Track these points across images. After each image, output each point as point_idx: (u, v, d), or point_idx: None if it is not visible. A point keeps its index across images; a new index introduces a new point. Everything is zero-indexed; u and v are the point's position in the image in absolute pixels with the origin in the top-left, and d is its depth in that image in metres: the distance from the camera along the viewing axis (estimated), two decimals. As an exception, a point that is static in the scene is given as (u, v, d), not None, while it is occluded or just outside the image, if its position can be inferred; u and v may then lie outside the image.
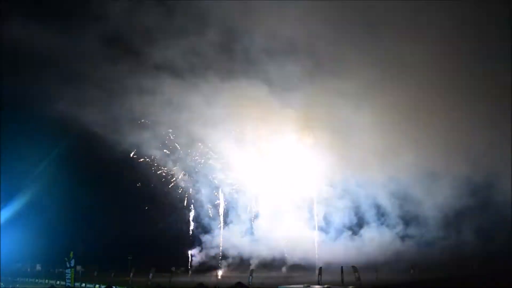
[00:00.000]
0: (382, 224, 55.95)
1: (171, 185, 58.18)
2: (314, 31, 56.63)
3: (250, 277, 45.07)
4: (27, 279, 52.93)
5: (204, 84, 56.97)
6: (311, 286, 39.90)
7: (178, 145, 58.27)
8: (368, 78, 56.09)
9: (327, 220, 57.45)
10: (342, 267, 41.49)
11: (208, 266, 56.14)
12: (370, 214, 56.62)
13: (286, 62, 57.65)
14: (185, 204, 58.46)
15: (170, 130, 58.15)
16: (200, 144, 58.34)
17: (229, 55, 57.69)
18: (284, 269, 54.98)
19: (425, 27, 54.05)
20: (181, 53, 56.50)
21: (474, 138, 52.12)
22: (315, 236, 56.91)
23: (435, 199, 53.27)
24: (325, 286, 39.48)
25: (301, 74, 57.82)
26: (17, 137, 55.22)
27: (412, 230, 54.72)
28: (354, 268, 41.91)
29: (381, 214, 56.15)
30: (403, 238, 54.36)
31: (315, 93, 56.99)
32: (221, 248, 57.33)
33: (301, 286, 39.88)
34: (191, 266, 56.98)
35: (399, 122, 55.15)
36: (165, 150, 58.02)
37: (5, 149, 53.35)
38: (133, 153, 56.43)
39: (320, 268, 42.79)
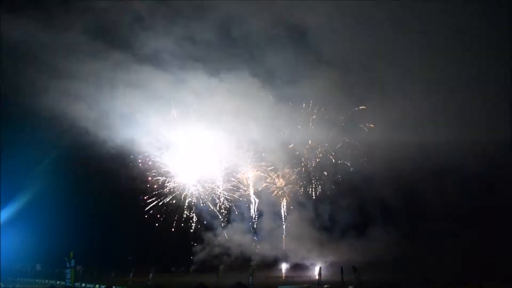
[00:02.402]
0: (388, 223, 55.26)
1: (169, 182, 58.10)
2: (313, 20, 55.50)
3: (250, 277, 45.05)
4: (27, 279, 52.64)
5: (194, 79, 56.25)
6: (311, 286, 40.08)
7: (172, 141, 57.98)
8: (373, 70, 55.58)
9: (331, 218, 57.16)
10: (342, 267, 41.42)
11: (208, 266, 55.95)
12: (375, 213, 55.99)
13: (284, 53, 56.90)
14: (185, 203, 58.37)
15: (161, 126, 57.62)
16: (194, 140, 58.04)
17: (222, 46, 57.35)
18: (284, 269, 54.86)
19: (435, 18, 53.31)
20: (171, 45, 55.95)
21: (485, 133, 51.40)
22: (317, 236, 56.82)
23: (443, 197, 52.47)
24: (325, 286, 39.62)
25: (300, 66, 57.31)
26: (17, 136, 55.15)
27: (418, 229, 53.97)
28: (354, 268, 41.80)
29: (387, 212, 55.43)
30: (409, 237, 53.55)
31: (316, 87, 56.40)
32: (221, 248, 57.41)
33: (301, 286, 40.05)
34: (191, 265, 56.84)
35: (406, 117, 54.77)
36: (159, 146, 57.75)
37: (5, 149, 53.32)
38: (129, 150, 56.15)
39: (320, 268, 42.80)
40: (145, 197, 57.14)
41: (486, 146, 50.55)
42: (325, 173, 58.17)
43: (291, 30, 56.70)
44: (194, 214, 58.09)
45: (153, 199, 57.33)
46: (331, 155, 58.05)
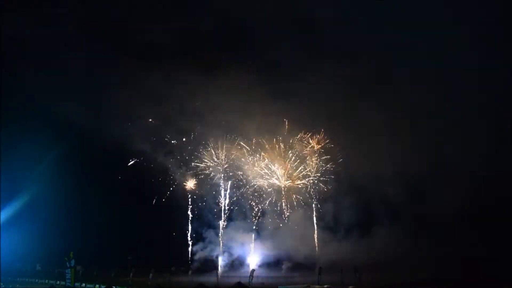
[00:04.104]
0: (391, 222, 54.63)
1: (168, 181, 57.87)
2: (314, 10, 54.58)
3: (251, 277, 44.91)
4: (27, 279, 52.79)
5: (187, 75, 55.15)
6: (311, 286, 39.78)
7: (167, 138, 57.62)
8: (378, 64, 54.61)
9: (334, 218, 56.71)
10: (341, 268, 41.24)
11: (208, 266, 55.78)
12: (379, 212, 55.37)
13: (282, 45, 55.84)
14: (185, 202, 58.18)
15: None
16: (189, 137, 57.80)
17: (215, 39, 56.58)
18: (284, 269, 54.60)
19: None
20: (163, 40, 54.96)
21: (488, 133, 51.13)
22: (317, 235, 56.48)
23: (447, 197, 51.46)
24: (325, 286, 39.31)
25: (300, 59, 56.18)
26: (17, 137, 55.16)
27: (423, 229, 53.26)
28: (355, 269, 41.61)
29: (390, 211, 54.78)
30: (413, 237, 52.82)
31: (316, 81, 55.43)
32: (221, 248, 57.23)
33: (301, 286, 39.78)
34: (191, 264, 56.65)
35: (411, 113, 54.09)
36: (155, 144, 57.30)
37: (5, 149, 53.34)
38: (127, 149, 55.82)
39: (320, 268, 42.51)
40: (145, 197, 56.92)
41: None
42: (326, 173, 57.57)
43: (290, 22, 55.98)
44: (192, 213, 57.95)
45: (153, 198, 57.11)
46: (333, 152, 57.45)
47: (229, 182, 58.17)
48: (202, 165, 58.01)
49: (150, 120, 57.11)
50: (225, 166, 58.08)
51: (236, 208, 58.13)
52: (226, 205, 58.02)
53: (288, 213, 57.71)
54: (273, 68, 56.32)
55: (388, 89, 55.11)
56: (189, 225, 57.77)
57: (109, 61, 53.69)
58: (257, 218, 57.90)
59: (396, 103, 54.39)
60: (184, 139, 57.72)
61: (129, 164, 56.82)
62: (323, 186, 57.40)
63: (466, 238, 49.73)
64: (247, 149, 57.77)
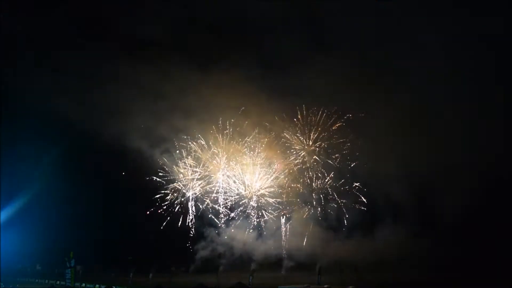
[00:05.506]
0: (396, 222, 53.34)
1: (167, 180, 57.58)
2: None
3: (251, 277, 44.78)
4: (27, 279, 53.11)
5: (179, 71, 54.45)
6: (311, 286, 39.45)
7: (162, 136, 56.91)
8: (382, 57, 52.95)
9: (337, 217, 55.85)
10: (341, 267, 40.88)
11: (208, 266, 55.44)
12: (383, 211, 53.98)
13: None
14: (185, 201, 57.89)
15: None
16: (188, 135, 57.22)
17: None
18: (284, 269, 54.11)
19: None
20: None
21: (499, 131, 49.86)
22: (318, 235, 55.92)
23: (455, 196, 50.09)
24: (325, 286, 38.98)
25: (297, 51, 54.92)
26: (17, 137, 55.29)
27: (428, 229, 51.92)
28: (355, 268, 41.27)
29: (396, 211, 53.43)
30: (418, 237, 51.46)
31: (315, 75, 54.21)
32: (222, 247, 56.86)
33: (301, 286, 39.45)
34: (191, 264, 56.42)
35: (417, 109, 52.83)
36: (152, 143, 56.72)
37: (5, 149, 53.44)
38: (125, 148, 55.34)
39: (320, 268, 42.15)
40: (145, 196, 56.74)
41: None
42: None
43: (289, 13, 54.90)
44: (193, 213, 57.66)
45: (153, 198, 56.91)
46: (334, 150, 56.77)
47: (230, 181, 57.89)
48: (201, 162, 57.87)
49: (146, 119, 56.68)
50: (225, 165, 57.78)
51: (236, 207, 57.89)
52: (227, 204, 57.79)
53: (289, 213, 57.31)
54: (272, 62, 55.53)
55: (392, 86, 54.27)
56: (190, 224, 57.56)
57: (105, 58, 53.51)
58: (258, 217, 57.60)
59: (401, 102, 53.58)
60: (182, 137, 57.40)
61: (129, 163, 56.64)
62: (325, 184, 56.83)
63: (470, 239, 48.91)
64: (247, 147, 57.47)
